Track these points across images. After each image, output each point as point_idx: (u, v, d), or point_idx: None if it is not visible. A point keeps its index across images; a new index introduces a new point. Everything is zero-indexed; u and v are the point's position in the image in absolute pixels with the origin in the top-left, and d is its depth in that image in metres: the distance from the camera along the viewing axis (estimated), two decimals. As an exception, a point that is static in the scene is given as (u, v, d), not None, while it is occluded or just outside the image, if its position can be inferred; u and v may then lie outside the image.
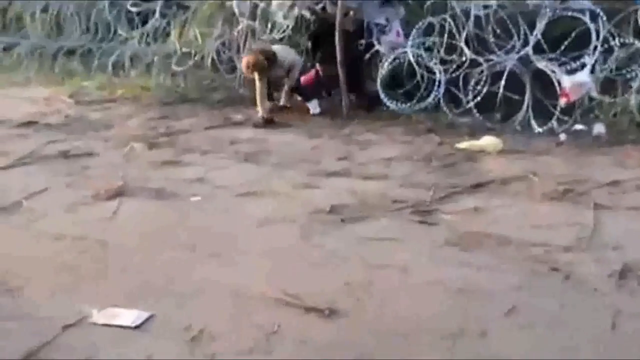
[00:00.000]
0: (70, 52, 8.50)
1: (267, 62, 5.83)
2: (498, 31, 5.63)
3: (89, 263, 3.18)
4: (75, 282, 2.99)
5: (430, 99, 5.67)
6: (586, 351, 2.38)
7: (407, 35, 6.00)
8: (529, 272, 2.98)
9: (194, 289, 2.90)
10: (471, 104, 5.53)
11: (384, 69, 5.89)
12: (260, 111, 5.80)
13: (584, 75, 5.15)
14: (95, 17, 8.40)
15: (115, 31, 8.28)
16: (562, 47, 5.37)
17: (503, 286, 2.85)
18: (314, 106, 6.05)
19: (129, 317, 2.68)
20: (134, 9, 8.09)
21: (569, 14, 5.42)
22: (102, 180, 4.32)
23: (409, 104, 5.79)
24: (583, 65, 5.22)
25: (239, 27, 6.84)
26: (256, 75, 5.81)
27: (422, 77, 5.82)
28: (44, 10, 8.73)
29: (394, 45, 6.02)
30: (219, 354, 2.42)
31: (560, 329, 2.52)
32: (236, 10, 6.81)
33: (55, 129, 5.68)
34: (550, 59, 5.40)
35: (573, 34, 5.43)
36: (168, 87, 7.09)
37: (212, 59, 6.99)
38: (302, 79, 6.12)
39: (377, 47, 6.07)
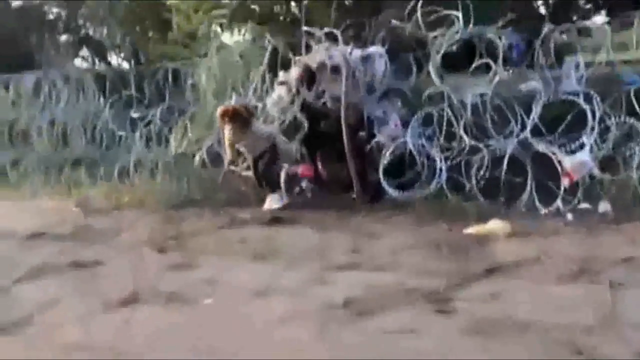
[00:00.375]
0: (76, 162, 8.66)
1: (246, 116, 5.93)
2: (495, 117, 5.77)
3: (104, 374, 3.12)
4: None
5: (432, 186, 5.72)
6: None
7: (405, 125, 6.15)
8: (553, 356, 2.92)
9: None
10: (475, 189, 5.59)
11: (385, 158, 5.97)
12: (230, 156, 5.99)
13: (584, 155, 5.25)
14: (100, 127, 8.60)
15: (119, 139, 8.47)
16: (560, 129, 5.50)
17: (530, 374, 2.79)
18: (275, 199, 5.96)
19: None
20: (135, 115, 8.31)
21: (564, 97, 5.59)
22: (113, 288, 4.28)
23: (411, 192, 5.84)
24: (582, 145, 5.32)
25: None
26: (227, 127, 5.88)
27: (422, 165, 5.91)
28: (50, 123, 8.95)
29: (393, 136, 6.15)
30: None
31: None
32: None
33: (63, 239, 5.69)
34: (550, 141, 5.51)
35: (569, 116, 5.59)
36: (172, 191, 7.16)
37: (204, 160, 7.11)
38: (302, 168, 6.15)
39: (378, 137, 6.19)
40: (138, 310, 3.90)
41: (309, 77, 6.46)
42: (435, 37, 6.02)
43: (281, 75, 6.83)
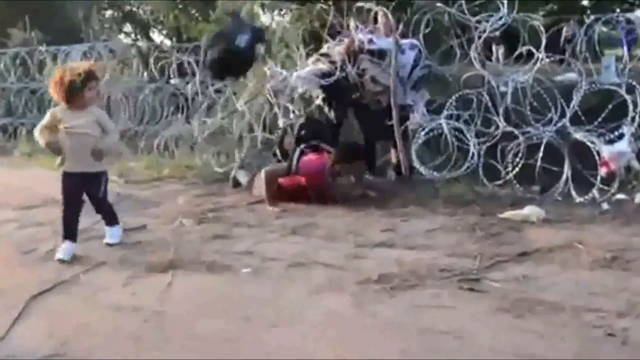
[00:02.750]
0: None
1: None
2: (536, 105, 5.79)
3: (149, 332, 3.26)
4: (136, 351, 3.07)
5: (463, 169, 5.76)
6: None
7: (440, 109, 6.22)
8: (584, 338, 2.98)
9: (252, 356, 2.96)
10: (510, 176, 5.63)
11: (419, 139, 6.03)
12: None
13: (623, 145, 5.24)
14: (142, 101, 8.81)
15: (160, 113, 8.67)
16: (600, 119, 5.50)
17: (559, 351, 2.86)
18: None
19: (190, 384, 2.74)
20: (173, 81, 8.50)
21: (606, 87, 5.59)
22: (155, 254, 4.45)
23: (444, 173, 5.89)
24: (621, 135, 5.32)
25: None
26: None
27: (455, 148, 5.95)
28: (95, 95, 9.17)
29: (420, 124, 6.21)
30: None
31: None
32: (268, 73, 7.07)
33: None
34: (588, 130, 5.52)
35: (610, 106, 5.58)
36: (212, 166, 7.32)
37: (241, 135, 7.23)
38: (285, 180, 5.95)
39: (407, 123, 6.27)
40: (179, 276, 4.04)
41: (354, 55, 6.53)
42: (479, 21, 6.02)
43: (324, 48, 6.91)
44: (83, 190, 4.62)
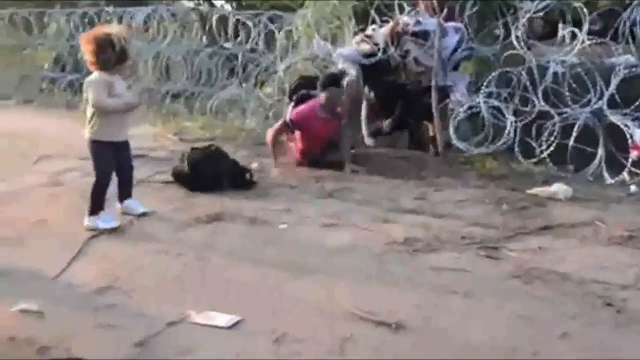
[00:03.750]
0: (176, 96, 9.39)
1: None
2: (574, 85, 5.91)
3: (191, 274, 3.66)
4: (178, 289, 3.47)
5: (499, 143, 5.95)
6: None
7: (477, 90, 6.40)
8: (584, 305, 3.23)
9: (281, 301, 3.32)
10: (545, 154, 5.80)
11: (458, 116, 6.25)
12: None
13: (656, 130, 5.36)
14: (198, 64, 9.21)
15: (216, 77, 9.08)
16: (637, 104, 5.61)
17: (559, 315, 3.13)
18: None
19: (223, 319, 3.11)
20: (227, 45, 8.86)
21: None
22: (202, 207, 4.85)
23: (481, 148, 6.11)
24: (655, 121, 5.44)
25: None
26: None
27: (492, 125, 6.14)
28: (155, 57, 9.64)
29: (460, 104, 6.40)
30: (299, 354, 2.81)
31: (607, 353, 2.79)
32: (314, 49, 7.34)
33: (162, 162, 6.32)
34: (625, 114, 5.63)
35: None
36: (262, 129, 7.67)
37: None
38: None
39: (447, 101, 6.47)
40: (222, 227, 4.45)
41: (397, 37, 6.74)
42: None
43: (369, 30, 7.13)
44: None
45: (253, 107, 8.04)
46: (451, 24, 6.59)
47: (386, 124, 6.87)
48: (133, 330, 2.99)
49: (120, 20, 10.15)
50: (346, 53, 6.88)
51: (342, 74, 6.57)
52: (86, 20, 10.58)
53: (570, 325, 3.01)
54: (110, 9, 10.37)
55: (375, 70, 6.79)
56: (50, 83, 11.19)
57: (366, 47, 6.84)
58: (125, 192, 4.76)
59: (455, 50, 6.50)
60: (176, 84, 9.56)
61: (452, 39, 6.58)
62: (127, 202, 4.75)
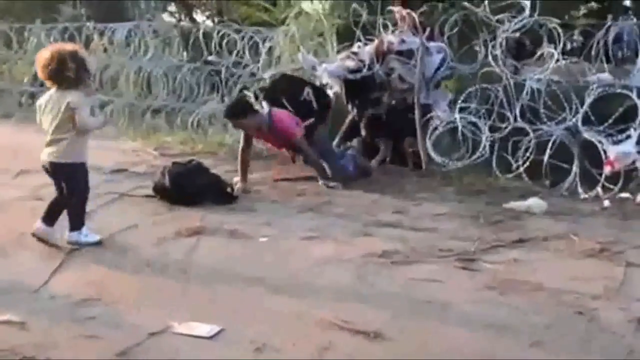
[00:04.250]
0: (156, 111, 9.43)
1: None
2: (550, 103, 6.07)
3: (172, 286, 3.72)
4: (161, 301, 3.52)
5: (474, 158, 6.08)
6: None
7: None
8: (556, 314, 3.33)
9: (261, 311, 3.38)
10: (521, 169, 5.94)
11: (437, 131, 6.38)
12: None
13: (629, 146, 5.50)
14: (180, 79, 9.28)
15: (197, 92, 9.15)
16: (610, 121, 5.77)
17: (531, 324, 3.21)
18: None
19: (204, 329, 3.16)
20: (211, 58, 8.95)
21: (617, 91, 5.84)
22: (183, 220, 4.90)
23: (457, 162, 6.24)
24: (628, 137, 5.58)
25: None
26: None
27: (469, 140, 6.29)
28: (137, 72, 9.69)
29: (442, 120, 6.54)
30: (279, 363, 2.88)
31: (577, 361, 2.88)
32: (301, 61, 7.45)
33: (142, 176, 6.36)
34: (599, 131, 5.79)
35: (621, 109, 5.84)
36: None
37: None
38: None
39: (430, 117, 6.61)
40: (204, 241, 4.49)
41: (382, 55, 6.88)
42: (499, 21, 6.30)
43: (355, 47, 7.26)
44: None
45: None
46: (434, 44, 6.75)
47: (373, 163, 6.96)
48: (115, 340, 3.03)
49: (101, 36, 10.21)
50: (331, 69, 7.02)
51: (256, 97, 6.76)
52: (67, 35, 10.61)
53: (543, 334, 3.10)
54: (91, 24, 10.40)
55: (360, 87, 6.91)
56: (30, 98, 11.17)
57: (351, 63, 6.97)
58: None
59: (438, 69, 6.65)
60: (156, 99, 9.59)
61: (436, 59, 6.75)
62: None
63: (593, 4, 14.54)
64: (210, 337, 3.09)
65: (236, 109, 6.24)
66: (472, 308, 3.41)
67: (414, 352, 2.95)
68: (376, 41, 6.98)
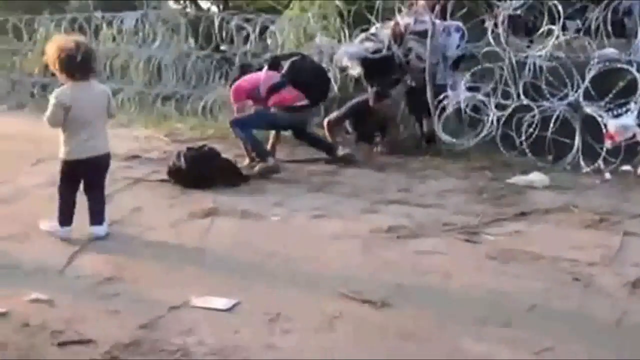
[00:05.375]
0: (167, 98, 9.63)
1: None
2: (551, 79, 6.19)
3: (190, 264, 3.91)
4: (179, 278, 3.70)
5: (482, 135, 6.21)
6: (593, 339, 2.90)
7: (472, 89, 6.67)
8: (554, 280, 3.51)
9: (274, 285, 3.56)
10: (524, 145, 6.08)
11: (446, 111, 6.51)
12: None
13: (629, 120, 5.63)
14: (189, 66, 9.45)
15: (206, 78, 9.32)
16: (611, 95, 5.88)
17: (529, 289, 3.39)
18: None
19: (221, 302, 3.35)
20: (223, 47, 9.10)
21: (618, 66, 5.95)
22: (197, 202, 5.10)
23: (463, 140, 6.38)
24: (628, 111, 5.70)
25: None
26: None
27: (473, 118, 6.42)
28: (147, 60, 9.87)
29: (453, 99, 6.65)
30: (291, 331, 3.06)
31: (573, 322, 3.05)
32: (318, 44, 7.58)
33: (155, 162, 6.56)
34: (600, 106, 5.91)
35: (621, 84, 5.96)
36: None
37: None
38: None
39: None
40: (217, 221, 4.68)
41: (400, 36, 6.99)
42: (501, -1, 6.42)
43: (373, 29, 7.38)
44: None
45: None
46: (453, 23, 6.83)
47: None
48: (137, 314, 3.22)
49: (109, 25, 10.38)
50: (351, 50, 7.15)
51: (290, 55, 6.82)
52: (75, 25, 10.79)
53: (540, 299, 3.28)
54: (99, 14, 10.57)
55: (379, 68, 7.02)
56: (41, 88, 11.40)
57: (370, 44, 7.10)
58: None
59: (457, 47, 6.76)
60: (166, 86, 9.77)
61: (455, 38, 6.84)
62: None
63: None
64: (227, 310, 3.28)
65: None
66: (473, 277, 3.59)
67: (417, 318, 3.14)
68: (392, 23, 7.09)
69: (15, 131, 8.48)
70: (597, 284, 3.45)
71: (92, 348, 2.89)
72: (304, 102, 6.45)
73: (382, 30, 7.16)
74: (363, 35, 7.32)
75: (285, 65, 6.55)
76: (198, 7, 15.83)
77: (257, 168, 6.11)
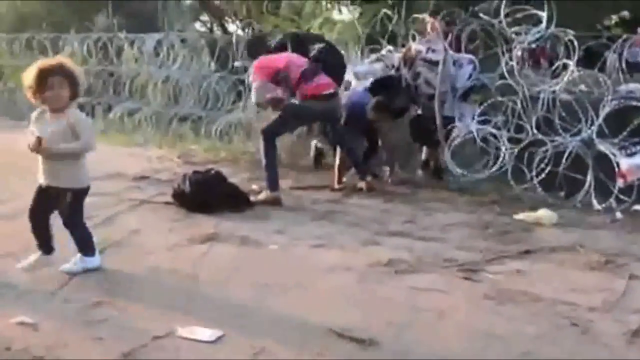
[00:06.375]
0: (183, 119, 9.69)
1: None
2: (564, 114, 6.09)
3: (181, 292, 3.86)
4: (169, 305, 3.65)
5: (494, 170, 6.11)
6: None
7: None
8: (550, 325, 3.39)
9: (262, 317, 3.50)
10: (535, 180, 5.96)
11: (455, 142, 6.43)
12: None
13: (641, 159, 5.51)
14: (206, 88, 9.51)
15: (223, 101, 9.37)
16: (625, 133, 5.77)
17: (524, 334, 3.28)
18: None
19: (206, 333, 3.29)
20: (237, 64, 9.15)
21: (633, 104, 5.84)
22: (198, 227, 5.07)
23: (474, 173, 6.29)
24: (642, 149, 5.59)
25: None
26: None
27: (484, 151, 6.34)
28: (166, 80, 9.97)
29: (467, 131, 6.57)
30: (275, 367, 3.00)
31: (565, 371, 2.95)
32: None
33: (163, 184, 6.55)
34: (613, 143, 5.79)
35: (636, 122, 5.84)
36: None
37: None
38: None
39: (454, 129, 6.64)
40: (215, 247, 4.64)
41: (410, 61, 6.96)
42: (517, 33, 6.35)
43: (383, 51, 7.37)
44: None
45: (255, 131, 8.26)
46: (465, 56, 6.78)
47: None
48: (121, 342, 3.17)
49: (132, 45, 10.52)
50: (362, 70, 7.14)
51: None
52: (99, 45, 10.96)
53: (534, 344, 3.17)
54: (123, 34, 10.72)
55: (386, 85, 6.96)
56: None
57: (379, 65, 7.09)
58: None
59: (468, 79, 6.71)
60: (184, 107, 9.84)
61: (466, 71, 6.79)
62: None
63: (626, 13, 14.35)
64: (212, 342, 3.22)
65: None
66: (468, 317, 3.49)
67: (404, 358, 3.05)
68: (404, 49, 7.07)
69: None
70: (595, 331, 3.32)
71: (70, 376, 2.86)
72: (333, 89, 6.20)
73: (394, 54, 7.14)
74: (374, 56, 7.32)
75: (315, 48, 6.29)
76: (224, 30, 16.02)
77: (261, 196, 5.95)
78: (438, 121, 6.64)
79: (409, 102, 6.90)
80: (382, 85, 6.89)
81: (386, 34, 7.61)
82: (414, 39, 7.06)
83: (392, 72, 6.96)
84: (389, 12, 7.76)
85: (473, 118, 6.63)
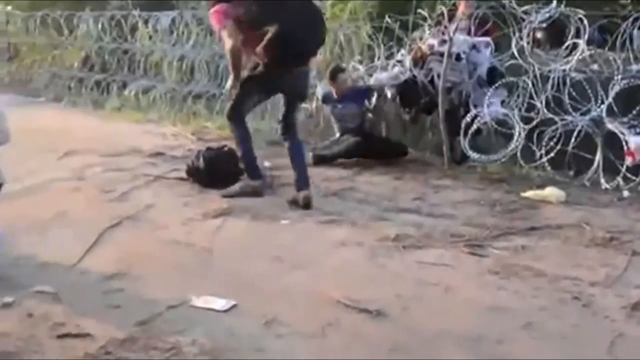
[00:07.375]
0: (197, 97, 9.78)
1: None
2: (574, 93, 6.11)
3: (195, 264, 4.00)
4: (183, 277, 3.80)
5: (509, 150, 6.15)
6: (582, 360, 2.89)
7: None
8: (552, 298, 3.49)
9: (274, 289, 3.63)
10: (544, 159, 6.01)
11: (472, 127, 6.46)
12: None
13: (650, 137, 5.54)
14: (222, 66, 9.58)
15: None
16: (634, 112, 5.79)
17: (526, 307, 3.39)
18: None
19: (219, 303, 3.43)
20: None
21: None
22: (211, 202, 5.19)
23: (488, 155, 6.33)
24: (651, 128, 5.62)
25: None
26: None
27: (498, 132, 6.38)
28: (180, 59, 10.05)
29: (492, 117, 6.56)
30: (284, 335, 3.12)
31: (565, 342, 3.04)
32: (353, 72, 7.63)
33: (178, 160, 6.67)
34: (622, 122, 5.82)
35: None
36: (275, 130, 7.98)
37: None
38: None
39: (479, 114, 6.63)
40: (229, 221, 4.77)
41: (422, 60, 6.96)
42: (526, 12, 6.35)
43: (399, 56, 7.39)
44: None
45: (270, 109, 8.35)
46: (481, 39, 6.74)
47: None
48: (137, 311, 3.32)
49: (146, 23, 10.59)
50: (381, 77, 7.20)
51: None
52: (114, 22, 11.05)
53: (536, 316, 3.27)
54: (137, 12, 10.79)
55: (411, 93, 6.97)
56: (78, 82, 11.72)
57: (397, 70, 7.12)
58: None
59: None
60: (198, 85, 9.93)
61: (485, 54, 6.76)
62: None
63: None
64: (225, 311, 3.36)
65: None
66: (473, 291, 3.60)
67: (411, 331, 3.16)
68: (412, 51, 7.06)
69: (49, 123, 8.72)
70: (596, 305, 3.42)
71: (89, 342, 3.00)
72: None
73: (407, 56, 7.15)
74: (392, 62, 7.33)
75: None
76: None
77: (237, 186, 5.48)
78: (441, 111, 6.62)
79: (431, 98, 6.91)
80: (405, 91, 6.99)
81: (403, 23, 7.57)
82: (430, 28, 7.04)
83: (408, 74, 6.96)
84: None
85: (502, 102, 6.59)
